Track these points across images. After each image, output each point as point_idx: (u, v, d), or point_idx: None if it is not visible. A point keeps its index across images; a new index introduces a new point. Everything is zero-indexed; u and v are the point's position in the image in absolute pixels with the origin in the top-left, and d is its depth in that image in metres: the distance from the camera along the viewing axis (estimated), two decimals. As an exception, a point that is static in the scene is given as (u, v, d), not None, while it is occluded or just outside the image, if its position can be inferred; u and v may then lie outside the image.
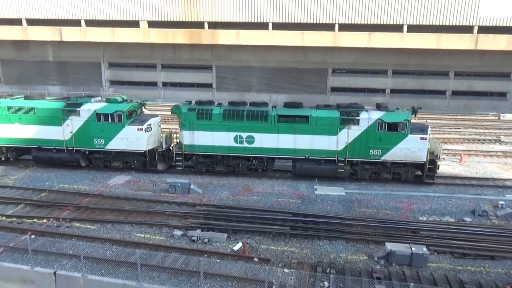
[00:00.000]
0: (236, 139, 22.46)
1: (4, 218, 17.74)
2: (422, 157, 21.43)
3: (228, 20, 46.45)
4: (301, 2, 45.09)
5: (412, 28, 44.77)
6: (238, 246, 15.24)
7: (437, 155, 22.02)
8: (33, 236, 15.63)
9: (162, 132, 25.18)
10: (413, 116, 21.60)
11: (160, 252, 14.84)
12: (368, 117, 21.32)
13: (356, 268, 13.92)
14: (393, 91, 50.74)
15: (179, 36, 47.36)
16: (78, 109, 23.19)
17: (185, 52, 51.31)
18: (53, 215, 17.95)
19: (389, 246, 14.35)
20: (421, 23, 44.37)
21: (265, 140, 22.29)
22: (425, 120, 41.51)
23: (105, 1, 47.35)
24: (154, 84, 53.57)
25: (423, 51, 46.47)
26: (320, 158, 22.27)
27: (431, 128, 37.41)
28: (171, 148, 24.28)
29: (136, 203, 19.48)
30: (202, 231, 16.25)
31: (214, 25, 47.38)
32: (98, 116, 22.96)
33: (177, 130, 24.28)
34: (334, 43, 45.83)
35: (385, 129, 21.21)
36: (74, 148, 23.75)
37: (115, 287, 11.75)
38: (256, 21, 46.14)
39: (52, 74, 54.87)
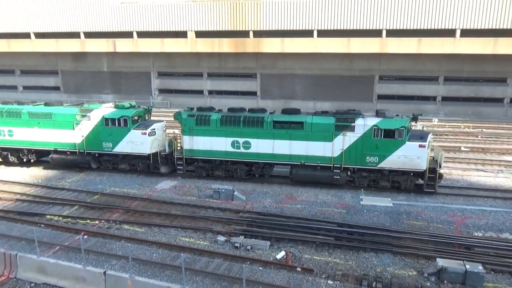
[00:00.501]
0: (233, 144, 22.99)
1: (60, 218, 18.83)
2: (421, 165, 20.57)
3: (273, 29, 46.84)
4: (347, 8, 44.56)
5: (466, 33, 42.67)
6: (281, 254, 15.11)
7: (439, 163, 21.02)
8: (85, 237, 16.44)
9: (167, 136, 26.11)
10: (413, 122, 21.10)
11: (203, 257, 15.03)
12: (364, 124, 20.97)
13: (404, 283, 13.27)
14: (444, 98, 48.52)
15: (225, 45, 48.40)
16: (88, 114, 24.83)
17: (231, 61, 52.28)
18: (104, 217, 18.79)
19: (441, 262, 13.56)
20: (475, 27, 42.20)
21: (261, 146, 22.63)
22: (480, 129, 39.23)
23: (155, 13, 49.50)
24: (200, 92, 54.99)
25: (478, 57, 44.07)
26: (316, 164, 22.14)
27: (486, 136, 35.36)
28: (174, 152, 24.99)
29: (181, 208, 19.94)
30: (245, 237, 16.28)
31: (259, 33, 47.94)
32: (106, 120, 24.49)
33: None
34: (382, 49, 44.73)
35: (381, 136, 20.76)
36: (85, 151, 25.32)
37: (160, 290, 12.00)
38: (301, 28, 46.18)
39: (106, 83, 57.99)
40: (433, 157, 21.47)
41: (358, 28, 44.82)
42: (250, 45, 47.85)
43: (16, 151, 27.31)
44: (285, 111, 23.17)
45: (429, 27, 43.25)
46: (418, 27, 43.47)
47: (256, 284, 13.00)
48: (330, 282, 13.28)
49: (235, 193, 21.00)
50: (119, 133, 24.38)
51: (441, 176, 21.59)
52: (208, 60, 52.81)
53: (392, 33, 44.28)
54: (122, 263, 14.57)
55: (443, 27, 42.96)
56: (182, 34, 49.75)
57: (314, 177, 22.45)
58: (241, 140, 22.79)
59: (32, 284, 13.49)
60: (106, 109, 25.28)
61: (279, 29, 46.71)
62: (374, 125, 20.79)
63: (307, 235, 16.51)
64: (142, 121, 25.05)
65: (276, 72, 51.71)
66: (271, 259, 14.91)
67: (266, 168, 23.65)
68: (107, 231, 17.42)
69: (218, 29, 48.37)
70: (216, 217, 18.57)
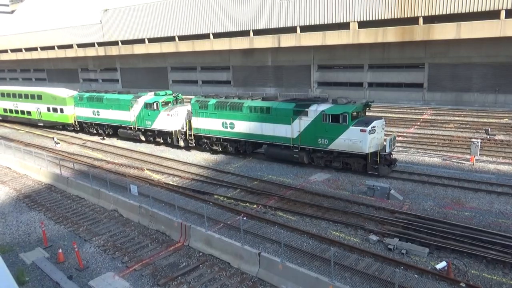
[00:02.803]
0: (223, 124, 28.38)
1: (225, 199, 21.11)
2: (363, 148, 22.39)
3: (448, 12, 41.62)
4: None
5: None
6: (441, 265, 13.57)
7: (387, 148, 22.75)
8: (245, 218, 18.01)
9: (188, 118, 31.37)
10: (367, 109, 23.88)
11: (353, 254, 14.69)
12: (315, 109, 23.77)
13: None
14: None
15: (389, 35, 45.53)
16: (137, 99, 33.59)
17: (395, 51, 48.96)
18: (261, 202, 20.21)
19: None
20: None
21: (241, 126, 27.42)
22: None
23: (319, 7, 49.94)
24: (359, 84, 53.33)
25: None
26: (281, 144, 25.69)
27: None
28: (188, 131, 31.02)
29: (333, 201, 19.88)
30: (400, 240, 15.22)
31: (430, 19, 43.43)
32: (146, 105, 32.77)
33: None
34: None
35: (329, 121, 23.24)
36: (137, 127, 34.41)
37: (309, 279, 12.23)
38: (483, 9, 39.79)
39: (269, 77, 61.79)
40: (389, 141, 22.89)
41: None
42: (419, 32, 43.71)
43: (101, 126, 38.42)
44: (264, 99, 28.12)
45: None
46: None
47: (410, 292, 12.04)
48: (503, 307, 11.31)
49: (392, 191, 19.81)
50: (154, 114, 32.39)
51: (393, 161, 23.46)
52: (370, 51, 50.63)
53: None
54: (274, 247, 15.45)
55: None
56: (344, 26, 48.94)
57: (280, 155, 26.25)
58: (228, 121, 28.03)
59: (200, 253, 15.52)
60: (148, 96, 33.59)
61: (456, 12, 41.22)
62: (323, 111, 23.41)
63: (476, 248, 14.39)
64: (171, 105, 32.26)
65: (447, 61, 46.06)
66: (429, 268, 13.57)
67: (248, 146, 28.16)
68: (263, 215, 18.70)
69: (382, 18, 45.78)
70: (369, 214, 17.87)
